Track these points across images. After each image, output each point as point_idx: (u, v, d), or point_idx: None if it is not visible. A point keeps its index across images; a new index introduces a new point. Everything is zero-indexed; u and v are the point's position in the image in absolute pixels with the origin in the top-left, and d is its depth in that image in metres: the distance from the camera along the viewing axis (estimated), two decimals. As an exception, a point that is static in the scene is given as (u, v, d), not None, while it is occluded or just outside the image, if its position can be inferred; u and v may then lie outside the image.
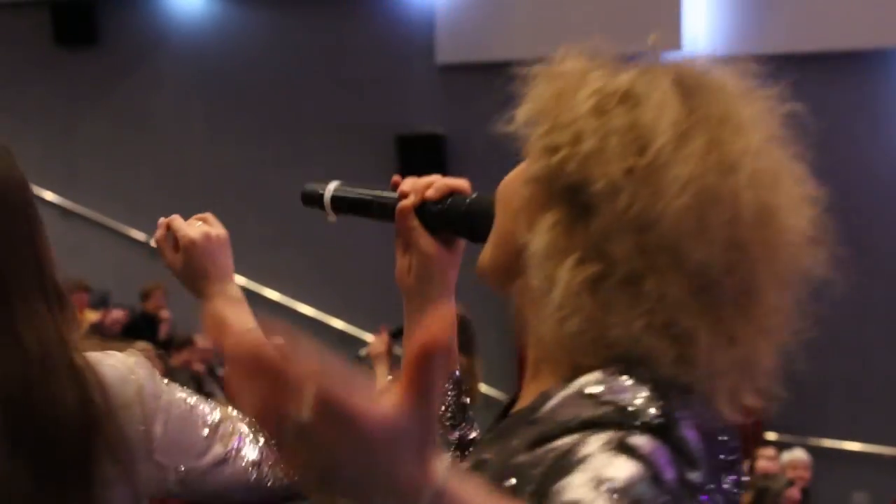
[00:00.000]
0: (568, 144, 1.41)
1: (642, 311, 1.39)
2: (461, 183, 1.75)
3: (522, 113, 1.48)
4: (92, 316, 11.75)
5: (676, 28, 12.35)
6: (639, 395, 1.35)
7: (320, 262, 13.57)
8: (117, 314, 12.18)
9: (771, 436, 12.61)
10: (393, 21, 14.09)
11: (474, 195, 1.75)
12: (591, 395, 1.36)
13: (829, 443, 12.68)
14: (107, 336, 11.83)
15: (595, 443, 1.29)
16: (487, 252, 1.59)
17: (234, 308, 2.16)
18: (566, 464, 1.28)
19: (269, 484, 1.94)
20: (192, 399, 1.99)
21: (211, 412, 1.97)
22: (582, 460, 1.27)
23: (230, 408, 1.97)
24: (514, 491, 1.32)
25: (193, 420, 1.94)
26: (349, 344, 12.00)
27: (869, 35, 12.51)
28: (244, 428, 1.99)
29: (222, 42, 14.52)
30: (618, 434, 1.30)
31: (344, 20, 14.17)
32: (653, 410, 1.33)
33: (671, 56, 1.51)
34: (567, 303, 1.40)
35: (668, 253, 1.38)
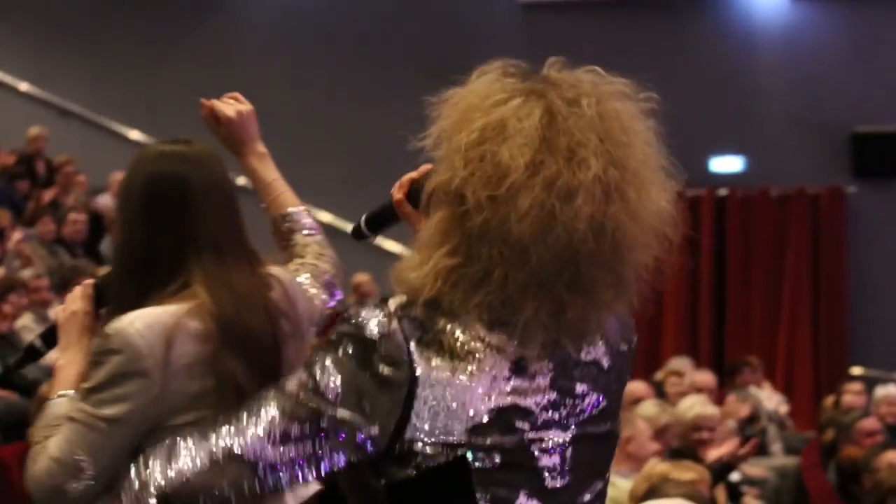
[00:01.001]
0: (455, 168, 1.96)
1: (483, 292, 1.95)
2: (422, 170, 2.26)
3: (433, 133, 2.03)
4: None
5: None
6: (374, 318, 1.96)
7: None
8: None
9: (857, 371, 12.61)
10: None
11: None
12: (346, 316, 1.99)
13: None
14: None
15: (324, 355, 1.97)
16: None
17: (262, 162, 3.10)
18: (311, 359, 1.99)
19: None
20: None
21: None
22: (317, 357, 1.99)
23: None
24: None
25: None
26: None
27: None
28: None
29: (304, -20, 14.60)
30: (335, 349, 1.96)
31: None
32: (373, 331, 1.95)
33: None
34: (425, 279, 1.96)
35: (517, 256, 1.92)
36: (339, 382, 1.94)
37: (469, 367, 1.94)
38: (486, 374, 1.94)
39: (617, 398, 2.11)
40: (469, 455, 1.93)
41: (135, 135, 15.03)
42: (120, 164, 13.77)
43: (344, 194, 12.67)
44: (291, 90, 14.41)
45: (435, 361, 1.94)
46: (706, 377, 9.86)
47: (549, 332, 1.96)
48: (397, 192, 2.31)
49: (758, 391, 11.03)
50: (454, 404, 1.93)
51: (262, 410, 1.97)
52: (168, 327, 2.55)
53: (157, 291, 2.63)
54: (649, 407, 7.17)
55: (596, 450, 2.07)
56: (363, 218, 2.48)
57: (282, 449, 1.95)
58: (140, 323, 2.56)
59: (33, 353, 2.95)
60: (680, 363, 10.63)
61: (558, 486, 2.00)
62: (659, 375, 10.19)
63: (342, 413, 1.93)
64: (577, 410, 2.02)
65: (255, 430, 1.96)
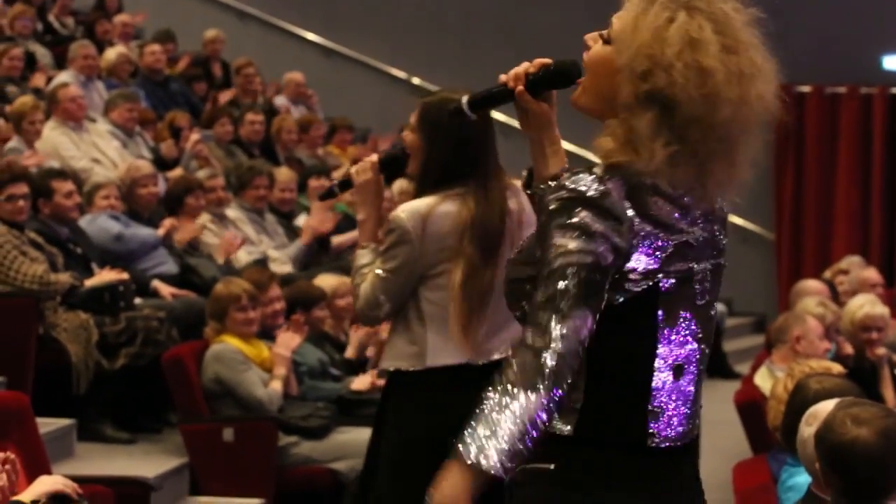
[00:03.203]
0: (670, 77, 2.47)
1: (689, 165, 2.49)
2: (544, 60, 2.75)
3: (620, 46, 2.54)
4: (354, 151, 12.00)
5: None
6: (585, 181, 2.47)
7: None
8: (383, 144, 12.41)
9: None
10: None
11: (553, 63, 2.75)
12: (561, 183, 2.50)
13: None
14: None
15: (555, 219, 2.47)
16: (580, 95, 2.63)
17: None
18: (542, 246, 2.48)
19: None
20: None
21: None
22: (546, 241, 2.47)
23: None
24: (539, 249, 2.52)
25: None
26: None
27: None
28: None
29: None
30: (566, 213, 2.46)
31: None
32: (591, 192, 2.45)
33: None
34: (656, 165, 2.47)
35: (718, 134, 2.49)
36: (581, 234, 2.44)
37: (647, 215, 2.50)
38: (670, 216, 2.53)
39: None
40: (661, 280, 2.51)
41: (311, 37, 15.11)
42: (296, 65, 13.93)
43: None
44: (466, -10, 14.30)
45: (637, 208, 2.49)
46: (873, 274, 9.58)
47: (706, 189, 2.55)
48: (515, 83, 2.75)
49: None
50: (658, 240, 2.51)
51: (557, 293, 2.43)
52: (423, 213, 4.06)
53: (438, 190, 4.10)
54: (812, 304, 7.05)
55: (718, 277, 2.64)
56: (465, 99, 2.81)
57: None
58: (406, 211, 4.09)
59: (331, 193, 4.37)
60: (849, 261, 10.38)
61: (701, 303, 2.60)
62: (827, 274, 9.98)
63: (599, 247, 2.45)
64: (714, 247, 2.62)
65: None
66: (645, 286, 2.51)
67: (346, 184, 4.21)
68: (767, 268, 13.80)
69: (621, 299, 2.50)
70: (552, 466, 2.56)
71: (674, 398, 2.58)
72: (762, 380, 6.46)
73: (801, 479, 4.13)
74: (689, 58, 2.47)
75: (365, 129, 14.01)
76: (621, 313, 2.51)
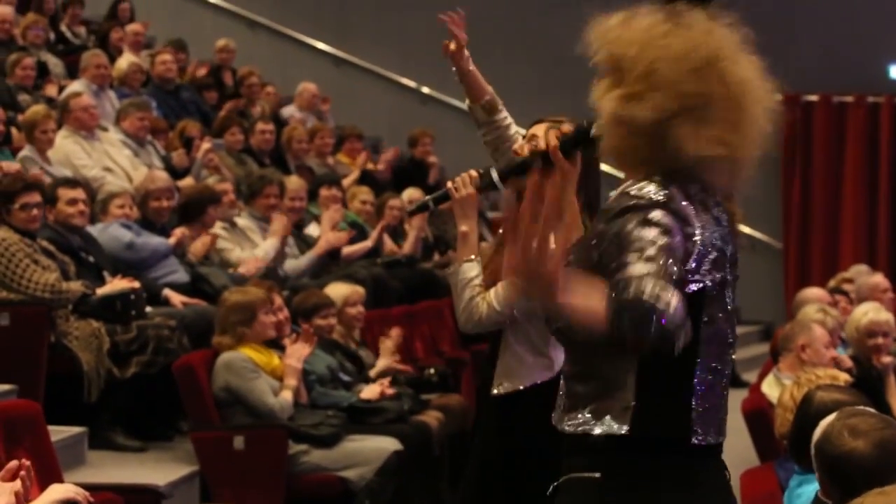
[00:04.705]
0: (706, 88, 2.68)
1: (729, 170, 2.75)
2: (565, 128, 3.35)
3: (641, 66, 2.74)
4: (363, 161, 12.03)
5: None
6: (650, 189, 2.66)
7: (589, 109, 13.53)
8: (387, 154, 12.46)
9: None
10: None
11: (575, 126, 3.14)
12: (627, 193, 2.70)
13: None
14: (379, 181, 12.07)
15: (632, 220, 2.61)
16: (605, 141, 2.80)
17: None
18: (621, 242, 2.60)
19: None
20: None
21: None
22: (628, 237, 2.59)
23: None
24: (597, 251, 2.68)
25: None
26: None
27: None
28: None
29: None
30: (642, 213, 2.62)
31: None
32: (658, 196, 2.65)
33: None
34: (667, 141, 2.68)
35: (750, 136, 2.74)
36: (662, 230, 2.60)
37: (703, 223, 2.70)
38: (712, 226, 2.72)
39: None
40: (708, 283, 2.69)
41: (322, 46, 15.16)
42: (307, 74, 13.96)
43: (528, 103, 12.60)
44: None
45: (691, 218, 2.68)
46: (881, 280, 9.59)
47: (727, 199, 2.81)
48: (548, 143, 3.10)
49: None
50: (706, 248, 2.68)
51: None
52: None
53: None
54: (812, 311, 7.08)
55: (736, 289, 2.82)
56: (492, 172, 3.24)
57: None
58: None
59: (425, 207, 4.22)
60: (856, 270, 10.41)
61: (731, 309, 2.78)
62: (831, 283, 9.99)
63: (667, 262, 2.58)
64: (735, 260, 2.79)
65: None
66: (695, 288, 2.67)
67: (443, 198, 4.13)
68: (775, 276, 13.82)
69: None
70: (598, 475, 2.67)
71: (711, 398, 2.73)
72: (769, 388, 6.48)
73: (810, 487, 4.15)
74: (718, 67, 2.71)
75: (375, 137, 14.04)
76: None
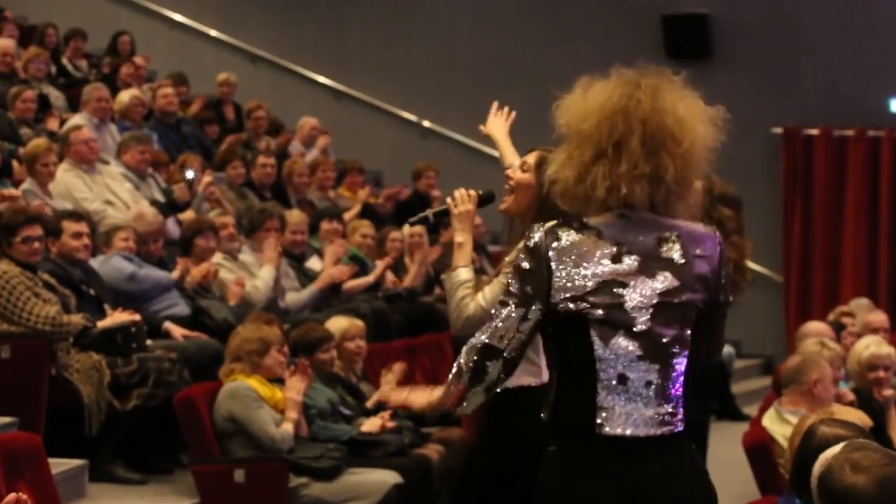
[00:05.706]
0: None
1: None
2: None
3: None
4: (364, 195, 12.05)
5: None
6: (536, 230, 3.19)
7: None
8: (390, 191, 12.45)
9: None
10: None
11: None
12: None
13: None
14: (380, 215, 12.05)
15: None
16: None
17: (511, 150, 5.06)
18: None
19: None
20: None
21: None
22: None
23: None
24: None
25: None
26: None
27: None
28: None
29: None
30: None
31: None
32: (535, 236, 3.18)
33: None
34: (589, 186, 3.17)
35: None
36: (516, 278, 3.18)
37: (583, 255, 3.12)
38: (596, 259, 3.12)
39: (694, 281, 3.18)
40: (587, 309, 3.10)
41: (323, 80, 15.20)
42: (308, 108, 14.00)
43: (527, 136, 12.63)
44: (476, 33, 14.39)
45: (562, 256, 3.13)
46: (880, 317, 9.61)
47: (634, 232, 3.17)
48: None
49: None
50: (578, 279, 3.11)
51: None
52: None
53: None
54: (811, 345, 7.10)
55: (673, 311, 3.14)
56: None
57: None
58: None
59: (426, 220, 4.71)
60: (857, 304, 10.42)
61: (643, 329, 3.11)
62: (831, 317, 10.01)
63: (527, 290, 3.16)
64: (654, 285, 3.12)
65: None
66: (572, 314, 3.18)
67: (443, 213, 4.64)
68: (776, 310, 13.80)
69: (549, 330, 3.25)
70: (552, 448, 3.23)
71: (620, 398, 3.14)
72: (770, 422, 6.47)
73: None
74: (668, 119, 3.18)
75: (376, 171, 14.07)
76: (560, 337, 3.23)
